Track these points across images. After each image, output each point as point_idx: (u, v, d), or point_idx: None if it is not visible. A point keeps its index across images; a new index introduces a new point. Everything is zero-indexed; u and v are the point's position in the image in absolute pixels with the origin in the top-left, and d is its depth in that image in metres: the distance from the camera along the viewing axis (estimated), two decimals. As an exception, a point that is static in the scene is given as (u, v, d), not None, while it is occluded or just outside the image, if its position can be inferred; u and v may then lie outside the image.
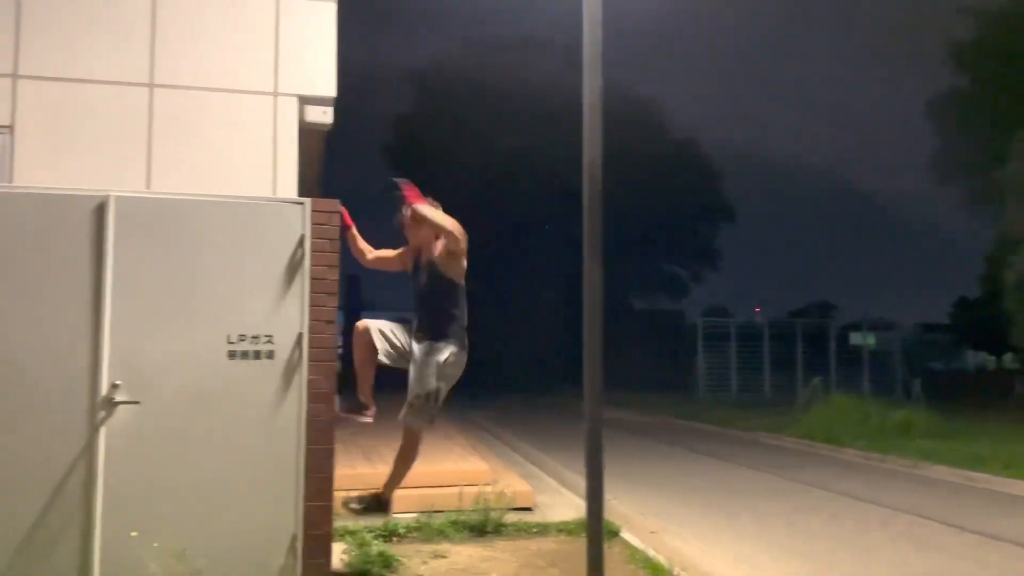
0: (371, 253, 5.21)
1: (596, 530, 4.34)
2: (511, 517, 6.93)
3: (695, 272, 47.20)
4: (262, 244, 4.67)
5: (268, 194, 6.79)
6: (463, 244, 4.77)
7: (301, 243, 4.69)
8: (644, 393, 25.98)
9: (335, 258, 4.76)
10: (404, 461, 4.86)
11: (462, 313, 4.85)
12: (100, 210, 4.47)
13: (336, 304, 4.76)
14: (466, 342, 4.86)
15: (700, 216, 44.29)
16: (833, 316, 37.45)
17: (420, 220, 4.82)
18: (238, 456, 4.53)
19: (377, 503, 4.92)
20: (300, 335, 4.65)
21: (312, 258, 4.69)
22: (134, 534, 4.24)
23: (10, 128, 6.47)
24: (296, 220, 4.71)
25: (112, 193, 4.51)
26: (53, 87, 6.62)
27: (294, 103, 7.06)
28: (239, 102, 6.97)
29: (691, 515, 8.35)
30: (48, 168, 6.48)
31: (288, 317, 4.66)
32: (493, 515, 6.80)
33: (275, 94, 7.02)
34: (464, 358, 4.83)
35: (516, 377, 30.98)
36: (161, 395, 4.46)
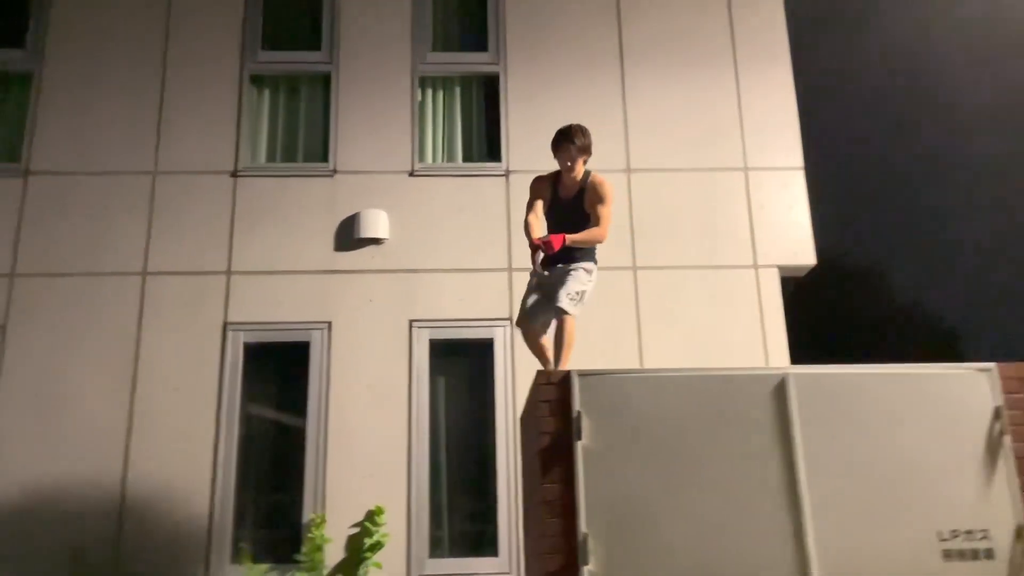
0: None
1: None
2: None
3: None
4: (952, 420, 4.04)
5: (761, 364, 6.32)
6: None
7: (997, 415, 4.02)
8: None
9: (1036, 431, 4.04)
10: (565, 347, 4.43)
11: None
12: (780, 389, 4.04)
13: (1051, 488, 3.98)
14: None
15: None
16: None
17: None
18: None
19: None
20: (1020, 528, 3.88)
21: (1012, 433, 4.00)
22: None
23: (509, 320, 6.46)
24: (985, 389, 4.08)
25: (789, 371, 4.09)
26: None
27: (775, 275, 6.71)
28: (718, 278, 6.72)
29: None
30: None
31: (999, 507, 3.92)
32: None
33: (755, 267, 6.71)
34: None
35: None
36: (880, 604, 3.75)
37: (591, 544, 3.80)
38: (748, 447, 3.98)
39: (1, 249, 6.36)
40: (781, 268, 6.72)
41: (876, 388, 4.09)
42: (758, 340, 6.51)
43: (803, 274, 6.90)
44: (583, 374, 4.08)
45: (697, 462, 3.95)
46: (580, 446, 3.94)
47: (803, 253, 6.76)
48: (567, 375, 4.08)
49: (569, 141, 4.55)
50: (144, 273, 6.40)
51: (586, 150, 4.60)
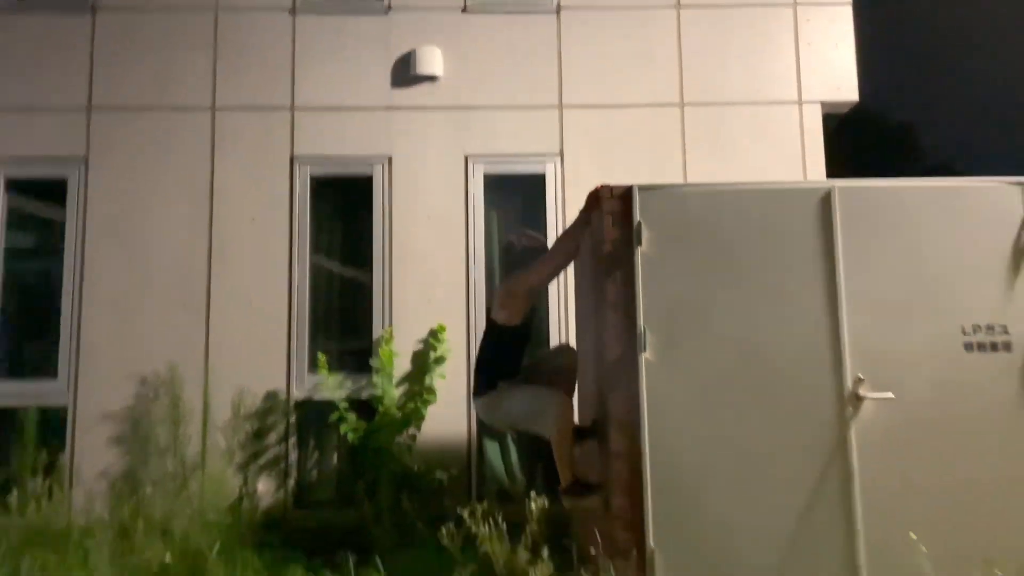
0: None
1: None
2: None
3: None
4: (981, 228, 4.39)
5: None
6: None
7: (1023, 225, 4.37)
8: None
9: (1061, 240, 4.39)
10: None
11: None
12: (825, 201, 4.39)
13: (1069, 290, 4.37)
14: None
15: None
16: None
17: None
18: (986, 454, 4.20)
19: (581, 489, 4.37)
20: (1037, 324, 4.30)
21: (1035, 241, 4.35)
22: (913, 536, 3.99)
23: (559, 155, 6.76)
24: (1016, 201, 4.40)
25: (836, 184, 4.43)
26: (594, 114, 6.88)
27: (817, 110, 6.91)
28: (763, 113, 6.93)
29: None
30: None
31: (1020, 306, 4.33)
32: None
33: (799, 103, 6.90)
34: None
35: None
36: (905, 388, 4.25)
37: (649, 337, 4.29)
38: (793, 254, 4.37)
39: (77, 84, 6.67)
40: (824, 104, 6.90)
41: (914, 200, 4.43)
42: (798, 174, 6.79)
43: (845, 111, 7.08)
44: (643, 188, 4.44)
45: (746, 267, 4.36)
46: (639, 253, 4.36)
47: (846, 88, 6.92)
48: (629, 189, 4.45)
49: None
50: (213, 108, 6.73)
51: None
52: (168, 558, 4.89)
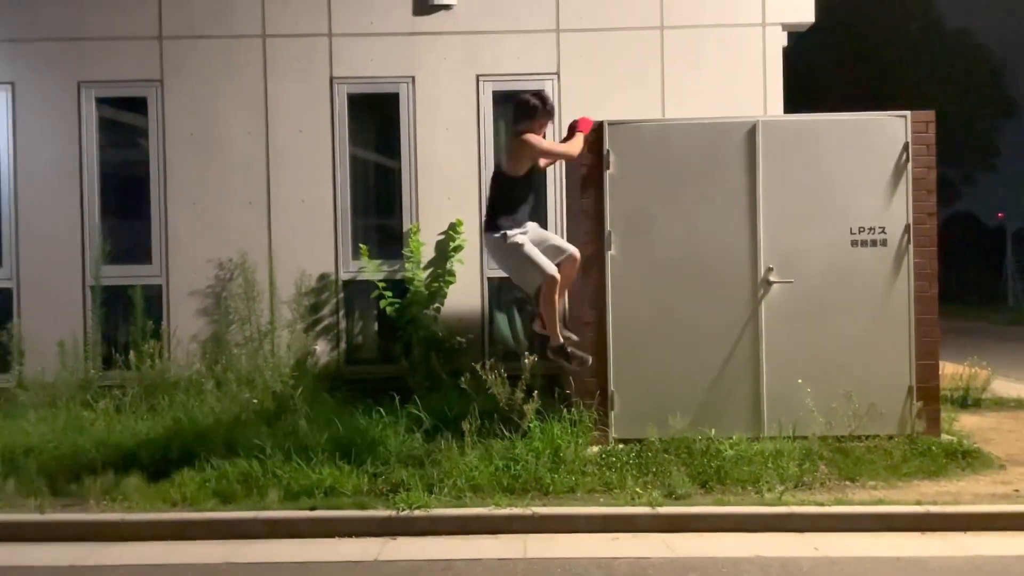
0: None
1: None
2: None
3: (966, 173, 42.69)
4: (872, 152, 5.72)
5: (759, 113, 7.85)
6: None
7: (905, 149, 5.69)
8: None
9: (932, 160, 5.71)
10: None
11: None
12: (751, 132, 5.71)
13: (935, 200, 5.74)
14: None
15: (975, 112, 39.75)
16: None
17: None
18: (862, 323, 5.71)
19: (561, 352, 5.32)
20: (907, 226, 5.70)
21: (913, 161, 5.68)
22: (799, 381, 5.55)
23: (556, 74, 7.98)
24: (900, 130, 5.70)
25: (760, 119, 5.73)
26: (586, 37, 8.04)
27: (778, 31, 8.02)
28: (732, 35, 8.04)
29: None
30: (585, 105, 7.92)
31: (896, 212, 5.71)
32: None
33: (763, 24, 8.01)
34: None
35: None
36: (803, 275, 5.71)
37: (613, 237, 5.74)
38: (725, 173, 5.75)
39: (149, 17, 7.91)
40: (784, 25, 8.00)
41: (821, 129, 5.74)
42: (759, 90, 7.97)
43: (803, 30, 8.17)
44: (612, 123, 5.77)
45: (689, 184, 5.75)
46: (607, 174, 5.75)
47: (803, 10, 8.00)
48: (600, 124, 5.78)
49: None
50: (263, 36, 7.96)
51: None
52: (256, 401, 6.60)
